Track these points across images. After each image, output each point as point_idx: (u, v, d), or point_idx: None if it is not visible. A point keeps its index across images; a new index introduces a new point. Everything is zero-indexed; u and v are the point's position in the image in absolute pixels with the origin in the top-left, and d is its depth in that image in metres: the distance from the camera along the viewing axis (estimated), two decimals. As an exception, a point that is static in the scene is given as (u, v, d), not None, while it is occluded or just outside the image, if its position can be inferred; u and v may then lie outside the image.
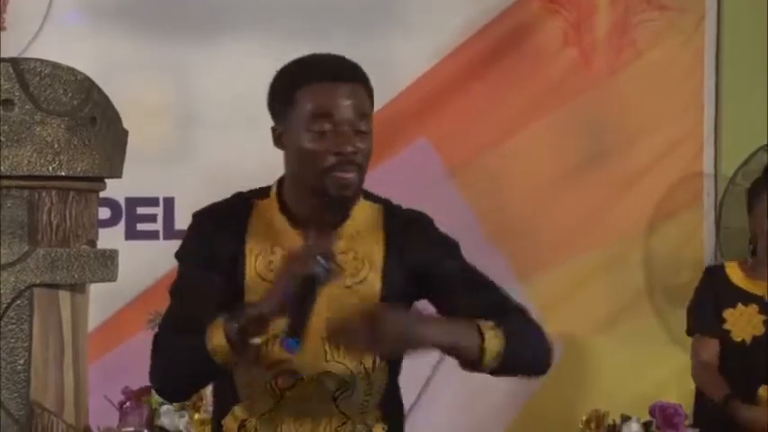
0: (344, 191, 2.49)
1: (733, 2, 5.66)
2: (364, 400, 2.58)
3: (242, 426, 2.59)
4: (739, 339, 3.97)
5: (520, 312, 2.58)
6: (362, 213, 2.61)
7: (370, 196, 2.65)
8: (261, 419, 2.57)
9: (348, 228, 2.58)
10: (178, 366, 2.57)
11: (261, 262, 2.58)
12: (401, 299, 2.54)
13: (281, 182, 2.63)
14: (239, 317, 2.41)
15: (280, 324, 2.38)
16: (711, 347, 4.02)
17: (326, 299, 2.49)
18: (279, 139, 2.57)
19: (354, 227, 2.59)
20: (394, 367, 2.63)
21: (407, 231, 2.59)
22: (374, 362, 2.56)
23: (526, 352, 2.53)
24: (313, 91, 2.50)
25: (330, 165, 2.47)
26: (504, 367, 2.46)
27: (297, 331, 2.34)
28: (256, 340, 2.41)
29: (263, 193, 2.66)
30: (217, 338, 2.42)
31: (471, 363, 2.43)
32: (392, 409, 2.65)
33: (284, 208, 2.60)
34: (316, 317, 2.45)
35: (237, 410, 2.60)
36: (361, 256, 2.57)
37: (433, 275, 2.58)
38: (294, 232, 2.58)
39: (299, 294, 2.36)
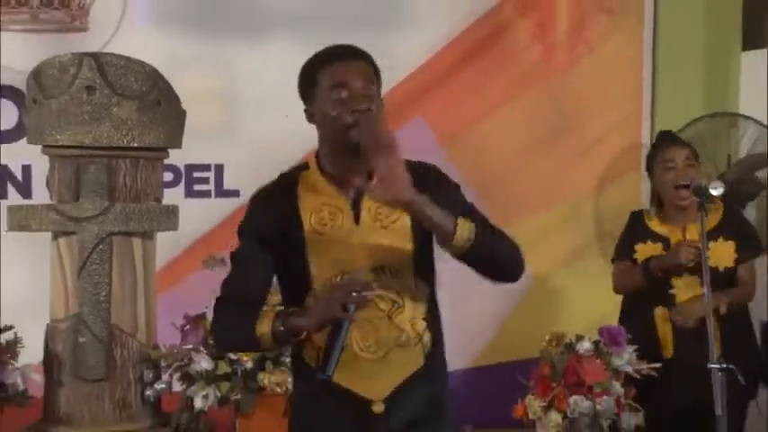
0: (365, 140, 2.44)
1: (667, 5, 5.64)
2: (413, 314, 2.55)
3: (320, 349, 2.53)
4: (641, 264, 3.98)
5: (502, 233, 2.55)
6: None
7: None
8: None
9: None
10: (230, 336, 2.62)
11: (314, 218, 2.53)
12: (426, 230, 2.52)
13: (317, 154, 2.60)
14: (285, 320, 2.44)
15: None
16: (627, 267, 4.04)
17: (367, 238, 2.51)
18: (311, 116, 2.55)
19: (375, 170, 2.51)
20: (432, 290, 2.61)
21: (425, 177, 2.53)
22: (416, 284, 2.54)
23: (500, 251, 2.53)
24: (330, 70, 2.50)
25: (352, 122, 2.45)
26: (475, 256, 2.46)
27: (327, 369, 2.38)
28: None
29: (302, 167, 2.62)
30: (264, 328, 2.44)
31: (445, 239, 2.43)
32: (433, 320, 2.61)
33: (323, 172, 2.57)
34: (361, 251, 2.49)
35: (316, 337, 2.53)
36: None
37: (446, 208, 2.50)
38: (332, 189, 2.55)
39: (332, 332, 2.39)
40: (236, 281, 2.60)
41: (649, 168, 4.10)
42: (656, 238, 4.01)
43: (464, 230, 2.44)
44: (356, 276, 2.45)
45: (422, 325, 2.57)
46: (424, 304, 2.58)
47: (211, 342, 3.88)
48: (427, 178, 2.55)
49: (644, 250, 4.01)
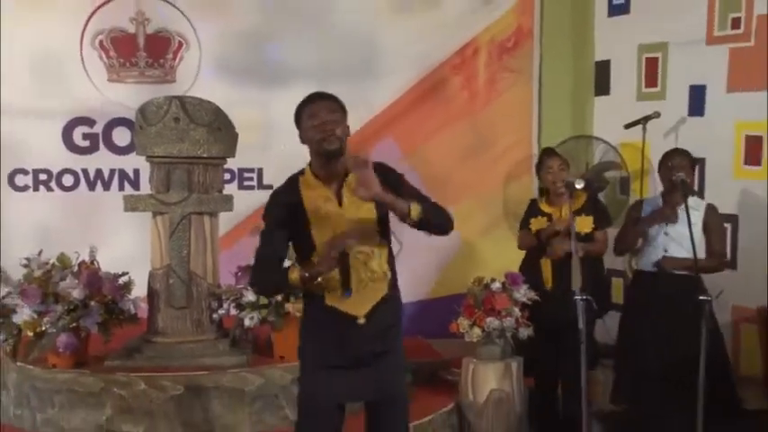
0: (332, 148, 2.48)
1: (547, 67, 5.62)
2: (379, 261, 2.56)
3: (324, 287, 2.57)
4: (533, 231, 3.97)
5: (437, 206, 2.57)
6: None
7: None
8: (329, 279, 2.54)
9: (351, 177, 2.52)
10: (268, 285, 2.62)
11: (313, 205, 2.53)
12: (384, 209, 2.53)
13: (310, 164, 2.59)
14: (306, 269, 2.46)
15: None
16: (526, 233, 4.02)
17: (347, 215, 2.51)
18: (302, 139, 2.56)
19: (354, 177, 2.50)
20: (389, 244, 2.62)
21: (384, 174, 2.52)
22: (380, 241, 2.56)
23: (437, 219, 2.54)
24: (309, 108, 2.53)
25: (321, 137, 2.48)
26: (424, 225, 2.49)
27: (347, 286, 2.46)
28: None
29: (300, 173, 2.61)
30: (294, 276, 2.47)
31: (402, 217, 2.46)
32: (392, 263, 2.64)
33: (315, 175, 2.55)
34: (344, 223, 2.50)
35: (323, 279, 2.55)
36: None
37: (399, 193, 2.51)
38: (321, 185, 2.54)
39: (340, 264, 2.44)
40: (264, 251, 2.56)
41: (538, 171, 4.07)
42: (543, 214, 4.02)
43: (415, 211, 2.45)
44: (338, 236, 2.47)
45: (385, 266, 2.58)
46: (386, 253, 2.59)
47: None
48: (384, 172, 2.53)
49: (536, 222, 4.02)
